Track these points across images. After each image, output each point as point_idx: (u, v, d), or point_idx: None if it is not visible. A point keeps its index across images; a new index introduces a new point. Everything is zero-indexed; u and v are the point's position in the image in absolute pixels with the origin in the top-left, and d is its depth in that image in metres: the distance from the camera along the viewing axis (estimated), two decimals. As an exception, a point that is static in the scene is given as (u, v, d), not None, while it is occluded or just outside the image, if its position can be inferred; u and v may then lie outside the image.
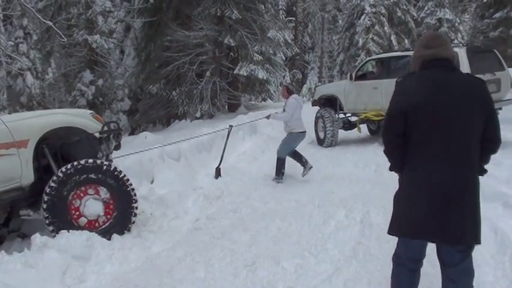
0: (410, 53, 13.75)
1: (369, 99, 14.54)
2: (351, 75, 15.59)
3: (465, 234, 3.92)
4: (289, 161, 11.28)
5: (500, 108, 13.38)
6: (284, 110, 11.26)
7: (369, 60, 16.64)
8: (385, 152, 4.34)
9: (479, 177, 4.23)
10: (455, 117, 3.90)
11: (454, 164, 3.93)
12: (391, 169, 4.43)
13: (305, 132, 11.42)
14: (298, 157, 11.34)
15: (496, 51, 13.71)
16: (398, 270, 4.42)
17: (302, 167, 11.20)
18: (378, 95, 14.20)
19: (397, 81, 4.46)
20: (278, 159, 11.11)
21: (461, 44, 14.06)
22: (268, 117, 11.73)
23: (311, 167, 11.18)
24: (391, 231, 4.27)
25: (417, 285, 4.40)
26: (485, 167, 4.38)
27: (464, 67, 12.02)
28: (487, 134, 4.00)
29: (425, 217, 3.96)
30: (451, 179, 3.92)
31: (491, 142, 4.07)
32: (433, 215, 3.93)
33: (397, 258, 4.43)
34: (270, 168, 11.76)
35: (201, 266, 6.15)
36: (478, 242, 4.00)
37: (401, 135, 4.06)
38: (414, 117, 3.96)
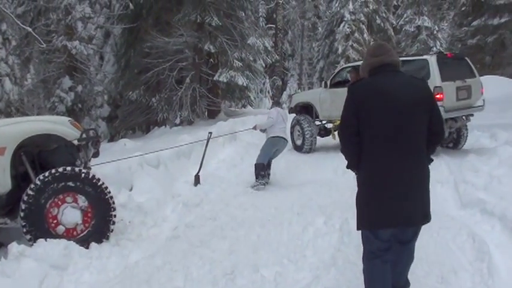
0: None
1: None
2: (325, 83, 15.86)
3: (426, 216, 4.56)
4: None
5: (472, 115, 13.55)
6: (268, 117, 11.81)
7: (343, 68, 16.90)
8: (342, 151, 4.78)
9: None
10: (402, 116, 4.37)
11: (404, 156, 4.41)
12: (347, 167, 4.87)
13: (284, 138, 11.70)
14: (267, 166, 11.71)
15: (467, 58, 13.86)
16: (372, 264, 4.70)
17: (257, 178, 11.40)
18: None
19: (349, 86, 4.84)
20: (256, 164, 11.45)
21: (431, 52, 14.26)
22: (254, 127, 12.20)
23: (264, 184, 11.28)
24: (362, 227, 4.65)
25: (390, 275, 4.70)
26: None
27: (435, 74, 12.21)
28: (431, 127, 4.53)
29: (392, 207, 4.42)
30: (408, 171, 4.42)
31: (435, 134, 4.63)
32: (399, 204, 4.41)
33: (368, 253, 4.72)
34: (250, 175, 11.77)
35: (180, 274, 6.13)
36: (428, 220, 4.59)
37: (354, 134, 4.53)
38: (366, 118, 4.46)
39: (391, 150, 4.41)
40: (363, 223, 4.61)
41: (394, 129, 4.38)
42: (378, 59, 4.67)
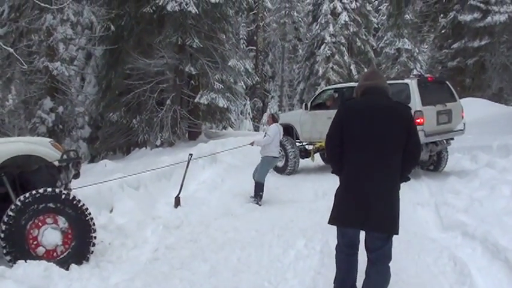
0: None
1: (324, 128, 14.71)
2: (305, 105, 15.97)
3: (382, 224, 5.02)
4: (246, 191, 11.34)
5: (452, 139, 13.65)
6: (265, 134, 12.18)
7: (324, 90, 16.98)
8: (327, 157, 5.86)
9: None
10: (381, 133, 5.00)
11: (377, 169, 5.01)
12: (332, 172, 5.62)
13: (278, 158, 12.33)
14: None
15: (448, 82, 14.02)
16: (338, 256, 5.54)
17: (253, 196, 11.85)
18: None
19: (340, 103, 5.18)
20: (256, 183, 11.87)
21: (412, 75, 14.38)
22: (252, 143, 12.41)
23: (259, 204, 11.61)
24: (329, 221, 5.41)
25: (355, 268, 5.51)
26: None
27: (415, 98, 12.30)
28: (408, 148, 5.06)
29: (352, 209, 5.11)
30: (374, 182, 5.01)
31: (411, 155, 5.14)
32: (358, 208, 5.04)
33: (337, 246, 5.56)
34: (231, 197, 11.82)
35: (160, 297, 6.12)
36: (396, 232, 5.07)
37: (338, 146, 5.24)
38: (347, 132, 5.15)
39: (362, 162, 5.07)
40: (330, 218, 5.39)
41: (367, 144, 5.03)
42: (369, 82, 5.34)
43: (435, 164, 14.18)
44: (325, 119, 14.61)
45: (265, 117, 47.85)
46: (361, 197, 5.05)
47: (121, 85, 25.47)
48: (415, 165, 5.60)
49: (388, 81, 13.49)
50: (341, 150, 5.23)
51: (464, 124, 13.93)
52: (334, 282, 5.63)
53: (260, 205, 11.56)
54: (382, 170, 5.02)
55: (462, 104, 14.11)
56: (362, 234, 5.30)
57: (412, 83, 12.74)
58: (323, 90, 16.93)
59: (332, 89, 16.52)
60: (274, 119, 12.58)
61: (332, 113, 14.78)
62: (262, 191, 11.86)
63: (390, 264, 5.19)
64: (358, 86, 5.47)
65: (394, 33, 41.00)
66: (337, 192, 5.40)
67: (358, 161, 5.11)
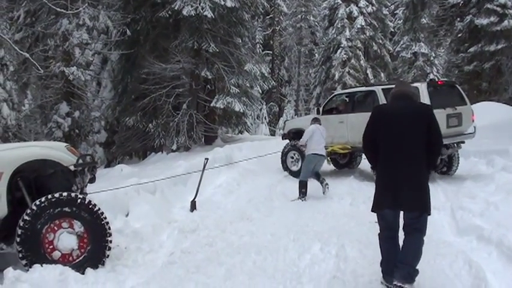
0: (375, 87, 14.19)
1: (335, 132, 14.92)
2: (318, 110, 16.04)
3: (411, 204, 5.90)
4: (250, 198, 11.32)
5: (463, 142, 13.64)
6: None
7: (336, 95, 17.05)
8: (364, 153, 6.96)
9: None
10: (406, 129, 5.98)
11: (404, 158, 5.95)
12: (370, 164, 6.71)
13: (319, 155, 12.86)
14: (317, 177, 13.08)
15: (458, 86, 14.06)
16: (380, 239, 6.24)
17: (320, 185, 12.96)
18: (343, 129, 14.81)
19: (374, 107, 6.57)
20: (299, 181, 12.82)
21: (422, 80, 14.50)
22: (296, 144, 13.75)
23: (327, 184, 12.95)
24: (371, 209, 6.28)
25: (395, 249, 6.09)
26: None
27: (425, 101, 12.34)
28: (430, 139, 5.98)
29: (385, 194, 6.06)
30: (402, 169, 5.95)
31: (432, 145, 6.02)
32: (390, 192, 5.98)
33: (379, 231, 6.28)
34: (246, 201, 11.84)
35: (175, 300, 6.11)
36: (425, 211, 5.95)
37: (372, 141, 6.31)
38: (379, 131, 6.18)
39: (392, 154, 6.05)
40: (372, 206, 6.24)
41: (396, 139, 6.01)
42: (394, 90, 6.47)
43: (447, 166, 14.22)
44: (336, 123, 14.64)
45: (281, 121, 47.87)
46: (392, 182, 6.01)
47: (137, 90, 25.55)
48: (438, 154, 6.54)
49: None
50: (375, 146, 6.23)
51: (474, 127, 13.91)
52: (380, 265, 6.21)
53: (304, 201, 12.39)
54: (408, 159, 5.93)
55: (478, 108, 14.09)
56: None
57: (422, 87, 12.84)
58: (335, 95, 17.02)
59: (344, 93, 16.61)
60: (313, 120, 13.49)
61: (344, 117, 14.96)
62: (305, 188, 12.61)
63: (424, 238, 5.98)
64: (389, 94, 6.65)
65: (410, 37, 40.77)
66: (375, 183, 6.32)
67: (388, 154, 6.08)
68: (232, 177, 14.91)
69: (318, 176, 13.08)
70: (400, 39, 43.30)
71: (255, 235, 9.05)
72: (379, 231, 6.25)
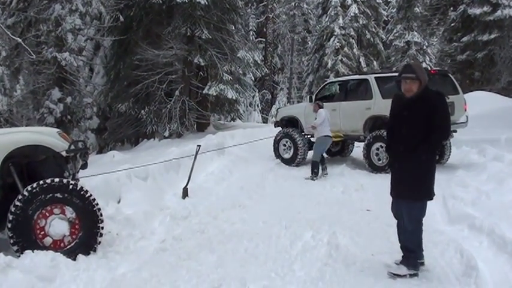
0: (368, 76, 14.24)
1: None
2: (310, 98, 16.08)
3: (400, 193, 6.32)
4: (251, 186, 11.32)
5: (455, 131, 13.67)
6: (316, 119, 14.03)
7: (328, 83, 17.14)
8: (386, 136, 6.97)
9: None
10: (412, 116, 6.13)
11: (402, 146, 6.20)
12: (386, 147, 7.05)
13: (329, 136, 13.76)
14: (321, 162, 13.95)
15: (450, 75, 14.08)
16: (420, 229, 6.43)
17: (321, 170, 13.92)
18: (336, 117, 14.81)
19: (394, 94, 6.68)
20: (312, 162, 13.87)
21: None
22: (312, 127, 14.33)
23: (326, 173, 13.97)
24: (425, 197, 6.44)
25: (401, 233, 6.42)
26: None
27: None
28: (435, 122, 6.03)
29: (391, 182, 6.53)
30: (398, 157, 6.33)
31: (435, 127, 6.04)
32: (392, 180, 6.51)
33: (419, 220, 6.42)
34: (238, 188, 11.83)
35: (167, 287, 6.11)
36: (412, 198, 6.27)
37: (390, 128, 6.60)
38: (393, 117, 6.50)
39: (395, 141, 6.35)
40: (426, 194, 6.41)
41: (400, 126, 6.24)
42: None
43: (439, 155, 14.22)
44: (329, 111, 14.61)
45: (273, 109, 47.85)
46: (392, 171, 6.49)
47: (129, 76, 25.49)
48: (443, 137, 6.46)
49: (390, 74, 13.66)
50: (392, 132, 6.54)
51: (467, 117, 13.96)
52: (415, 252, 6.33)
53: (314, 180, 13.43)
54: (406, 147, 6.13)
55: (470, 98, 14.10)
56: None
57: None
58: (327, 83, 17.09)
59: (336, 81, 16.63)
60: (319, 105, 14.19)
61: (336, 105, 15.00)
62: (318, 168, 13.67)
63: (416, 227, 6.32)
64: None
65: (403, 26, 40.82)
66: (422, 170, 6.33)
67: (394, 141, 6.39)
68: (224, 165, 14.90)
69: (323, 160, 14.01)
70: (393, 28, 43.32)
71: (246, 222, 9.06)
72: (417, 220, 6.34)
